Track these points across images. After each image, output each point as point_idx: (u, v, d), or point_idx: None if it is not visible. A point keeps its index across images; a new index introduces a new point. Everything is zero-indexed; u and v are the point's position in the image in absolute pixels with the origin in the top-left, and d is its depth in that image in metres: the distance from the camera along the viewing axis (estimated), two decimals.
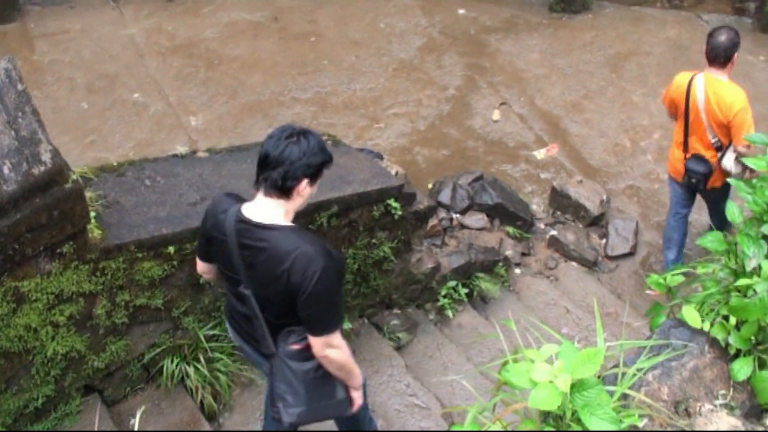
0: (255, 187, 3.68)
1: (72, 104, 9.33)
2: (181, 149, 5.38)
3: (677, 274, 3.84)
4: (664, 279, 3.78)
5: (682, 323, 3.24)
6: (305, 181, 3.64)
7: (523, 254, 7.61)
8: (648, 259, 7.67)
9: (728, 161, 6.50)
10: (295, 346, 3.86)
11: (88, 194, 4.68)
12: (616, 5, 10.88)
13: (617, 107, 9.23)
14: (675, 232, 7.20)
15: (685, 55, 9.93)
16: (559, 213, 8.06)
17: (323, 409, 4.01)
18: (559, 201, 8.03)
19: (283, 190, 3.61)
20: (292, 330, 3.85)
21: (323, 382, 3.93)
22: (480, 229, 7.53)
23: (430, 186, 7.98)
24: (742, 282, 3.07)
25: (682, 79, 6.59)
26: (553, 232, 7.80)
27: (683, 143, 6.69)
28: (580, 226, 7.94)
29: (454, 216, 7.53)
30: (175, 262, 4.87)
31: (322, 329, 3.71)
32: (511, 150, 8.76)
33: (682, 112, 6.59)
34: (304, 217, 5.16)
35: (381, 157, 7.97)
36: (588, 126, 9.03)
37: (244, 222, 3.68)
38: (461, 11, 10.63)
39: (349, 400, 4.05)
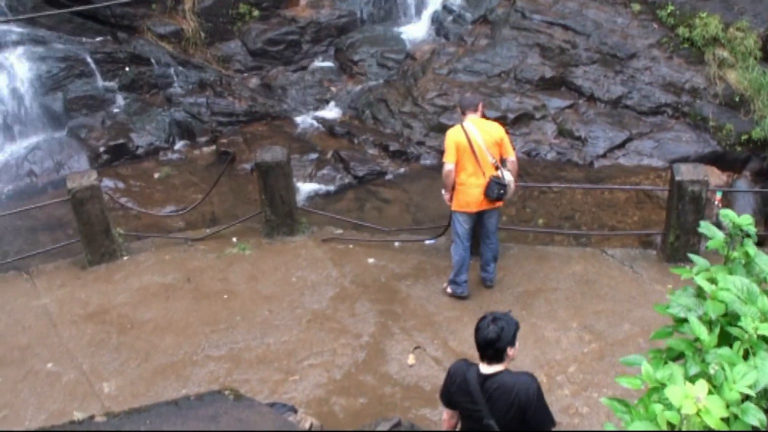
0: (480, 360, 5.66)
1: None
2: (78, 415, 5.28)
3: None
4: None
5: None
6: (509, 348, 5.62)
7: None
8: None
9: (508, 174, 9.42)
10: None
11: None
12: (520, 245, 11.24)
13: (530, 343, 9.32)
14: (468, 258, 9.89)
15: (593, 289, 10.18)
16: None
17: None
18: None
19: (499, 358, 5.60)
20: None
21: None
22: None
23: None
24: None
25: (457, 133, 9.35)
26: None
27: (483, 173, 9.31)
28: None
29: None
30: None
31: (549, 426, 5.66)
32: (429, 394, 8.72)
33: (470, 152, 9.25)
34: None
35: (294, 411, 7.89)
36: None
37: (479, 374, 5.66)
38: (370, 260, 10.85)
39: None
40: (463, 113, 9.54)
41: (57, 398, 8.87)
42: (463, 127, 9.37)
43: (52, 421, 8.38)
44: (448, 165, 9.40)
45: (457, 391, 5.80)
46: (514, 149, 9.76)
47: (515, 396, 5.46)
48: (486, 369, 5.65)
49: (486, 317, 5.66)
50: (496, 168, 9.38)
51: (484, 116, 9.74)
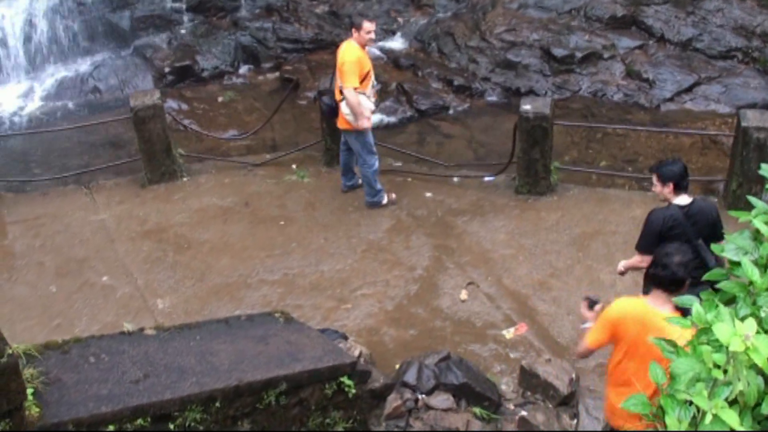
0: (677, 194, 6.86)
1: (41, 288, 9.40)
2: (128, 326, 5.35)
3: None
4: None
5: None
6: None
7: None
8: None
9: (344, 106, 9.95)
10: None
11: (29, 371, 4.62)
12: (580, 187, 11.08)
13: (584, 285, 9.24)
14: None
15: None
16: (529, 393, 7.91)
17: None
18: (528, 380, 7.90)
19: (688, 187, 6.97)
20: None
21: None
22: (446, 410, 7.37)
23: (397, 366, 7.89)
24: None
25: (353, 51, 10.06)
26: (523, 413, 7.61)
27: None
28: (550, 406, 7.78)
29: (419, 397, 7.40)
30: None
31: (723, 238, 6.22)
32: (479, 329, 8.71)
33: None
34: (250, 395, 5.08)
35: (345, 338, 7.94)
36: (556, 304, 9.02)
37: (681, 207, 6.83)
38: (428, 194, 10.80)
39: None
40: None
41: (110, 311, 9.04)
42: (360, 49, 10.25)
43: (104, 332, 8.52)
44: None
45: (668, 227, 6.84)
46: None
47: (710, 214, 6.91)
48: (683, 201, 6.92)
49: (668, 160, 7.24)
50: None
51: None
